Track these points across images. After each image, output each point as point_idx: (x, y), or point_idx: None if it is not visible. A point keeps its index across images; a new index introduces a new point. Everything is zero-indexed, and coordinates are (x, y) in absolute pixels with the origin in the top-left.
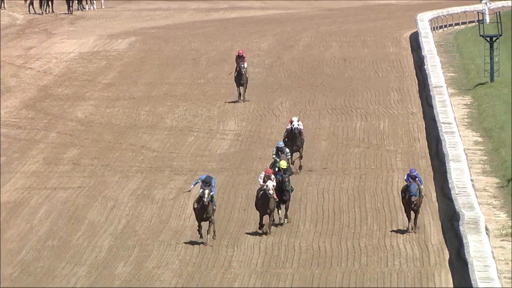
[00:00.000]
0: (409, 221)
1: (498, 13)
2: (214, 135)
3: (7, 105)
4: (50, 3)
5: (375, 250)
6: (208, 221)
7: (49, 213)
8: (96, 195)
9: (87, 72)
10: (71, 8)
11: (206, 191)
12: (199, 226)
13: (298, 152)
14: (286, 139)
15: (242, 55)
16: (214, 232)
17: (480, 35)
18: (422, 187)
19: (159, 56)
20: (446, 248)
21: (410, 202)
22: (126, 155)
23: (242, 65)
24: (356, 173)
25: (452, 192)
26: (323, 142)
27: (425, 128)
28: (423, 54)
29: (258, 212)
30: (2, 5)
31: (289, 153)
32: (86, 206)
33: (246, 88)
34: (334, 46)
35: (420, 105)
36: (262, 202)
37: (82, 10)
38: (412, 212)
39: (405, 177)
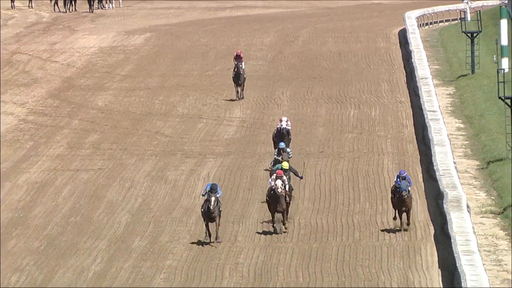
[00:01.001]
0: (401, 219)
1: (478, 12)
2: (221, 122)
3: (35, 95)
4: (73, 2)
5: (367, 226)
6: (214, 223)
7: (72, 192)
8: (115, 176)
9: (106, 65)
10: (92, 7)
11: (213, 198)
12: (207, 227)
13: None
14: (275, 138)
15: (240, 56)
16: (216, 233)
17: (462, 32)
18: (410, 188)
19: (171, 51)
20: (431, 224)
21: (401, 198)
22: (142, 140)
23: (240, 65)
24: (350, 156)
25: (436, 173)
26: (320, 128)
27: (412, 115)
28: (411, 49)
29: (269, 211)
30: (30, 4)
31: (291, 153)
32: (106, 186)
33: (243, 86)
34: (330, 42)
35: (408, 95)
36: (273, 202)
37: (102, 9)
38: (403, 213)
39: (395, 179)
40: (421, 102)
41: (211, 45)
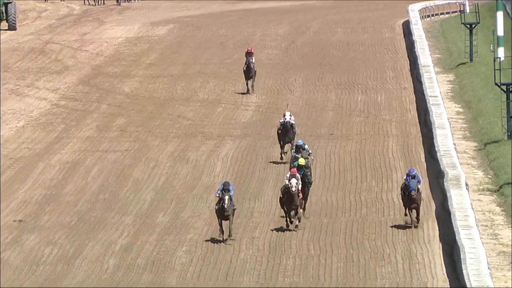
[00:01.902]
0: (411, 216)
1: (476, 4)
2: (238, 106)
3: (66, 81)
4: None
5: (374, 203)
6: (227, 220)
7: (100, 171)
8: (140, 157)
9: (132, 53)
10: (119, 0)
11: (226, 197)
12: (220, 225)
13: (290, 144)
14: (279, 131)
15: (251, 52)
16: (230, 231)
17: (461, 23)
18: (419, 186)
19: (193, 41)
20: (433, 201)
21: (410, 197)
22: (165, 123)
23: (251, 60)
24: (357, 138)
25: (437, 154)
26: (330, 112)
27: (415, 100)
28: (414, 39)
29: (283, 209)
30: None
31: (310, 151)
32: (132, 165)
33: (254, 80)
34: (339, 32)
35: (411, 81)
36: (287, 200)
37: (128, 2)
38: (413, 210)
39: (404, 177)
40: (424, 88)
41: (229, 36)
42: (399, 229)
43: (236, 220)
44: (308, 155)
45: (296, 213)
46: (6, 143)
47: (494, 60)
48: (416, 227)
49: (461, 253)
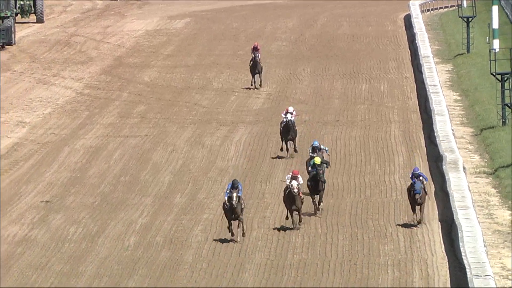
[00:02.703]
0: (415, 215)
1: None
2: (251, 95)
3: (90, 71)
4: None
5: (377, 185)
6: (237, 220)
7: (122, 155)
8: (159, 142)
9: (151, 45)
10: None
11: (234, 194)
12: (229, 224)
13: (291, 141)
14: (282, 129)
15: (257, 47)
16: (243, 230)
17: (459, 16)
18: (426, 183)
19: (207, 33)
20: (432, 183)
21: (415, 199)
22: (182, 110)
23: (257, 55)
24: (361, 124)
25: (437, 139)
26: (336, 100)
27: (416, 89)
28: (415, 31)
29: (286, 207)
30: None
31: (327, 148)
32: (151, 150)
33: (261, 75)
34: (345, 25)
35: (412, 71)
36: (288, 200)
37: None
38: (417, 207)
39: (410, 176)
40: (424, 77)
41: (242, 29)
42: (401, 210)
43: (248, 201)
44: (325, 152)
45: (299, 218)
46: (34, 129)
47: (490, 51)
48: (419, 222)
49: (459, 231)
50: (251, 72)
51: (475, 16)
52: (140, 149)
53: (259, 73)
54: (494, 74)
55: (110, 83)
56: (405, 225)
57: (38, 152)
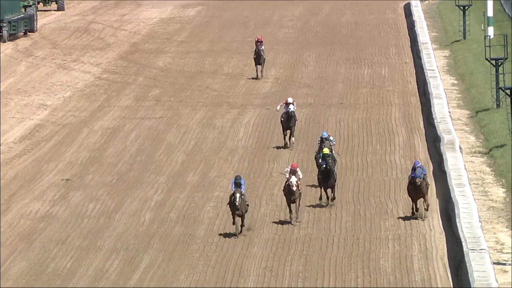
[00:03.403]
0: (416, 206)
1: None
2: (259, 79)
3: (108, 57)
4: None
5: (378, 164)
6: (238, 216)
7: (138, 136)
8: (173, 123)
9: (166, 32)
10: None
11: (238, 194)
12: (234, 219)
13: (289, 130)
14: (282, 119)
15: (261, 40)
16: (241, 227)
17: (456, 5)
18: (425, 175)
19: (219, 21)
20: (431, 162)
21: (416, 185)
22: (195, 94)
23: (261, 48)
24: (364, 107)
25: (435, 121)
26: (339, 84)
27: (415, 73)
28: (414, 19)
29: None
30: None
31: (334, 141)
32: (165, 131)
33: (263, 66)
34: (348, 13)
35: (411, 57)
36: (287, 194)
37: None
38: (420, 199)
39: (410, 171)
40: (422, 62)
41: (251, 17)
42: (401, 187)
43: (257, 180)
44: (331, 145)
45: (297, 213)
46: (55, 111)
47: (485, 38)
48: (422, 215)
49: (456, 208)
50: (255, 63)
51: (471, 5)
52: (155, 130)
53: (262, 64)
54: (489, 59)
55: (126, 68)
56: (405, 202)
57: (58, 133)
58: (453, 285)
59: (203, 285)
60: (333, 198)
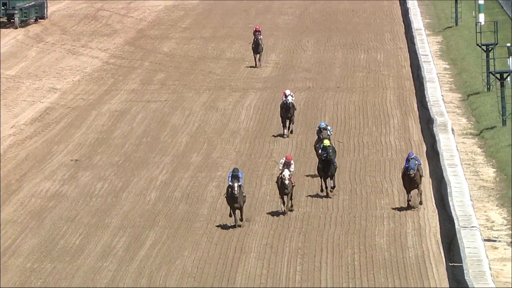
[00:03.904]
0: (409, 195)
1: None
2: (257, 67)
3: (115, 43)
4: None
5: (374, 145)
6: (237, 209)
7: (144, 118)
8: (177, 106)
9: (170, 19)
10: None
11: (236, 185)
12: (232, 211)
13: (288, 120)
14: (282, 110)
15: (259, 30)
16: (241, 216)
17: None
18: (420, 166)
19: (221, 8)
20: (424, 143)
21: (409, 177)
22: (198, 78)
23: (259, 37)
24: (360, 90)
25: (428, 103)
26: (337, 68)
27: (409, 58)
28: (408, 6)
29: (279, 194)
30: None
31: (332, 130)
32: (170, 114)
33: (261, 55)
34: (345, 1)
35: (406, 42)
36: (280, 187)
37: None
38: (413, 189)
39: (405, 163)
40: (416, 48)
41: (252, 4)
42: (396, 167)
43: (258, 160)
44: (329, 135)
45: (291, 203)
46: (64, 95)
47: (476, 24)
48: (415, 206)
49: (448, 187)
50: (253, 52)
51: None
52: (160, 112)
53: (260, 53)
54: (480, 45)
55: (133, 53)
56: (400, 181)
57: (68, 116)
58: (445, 260)
59: (206, 260)
60: (333, 187)
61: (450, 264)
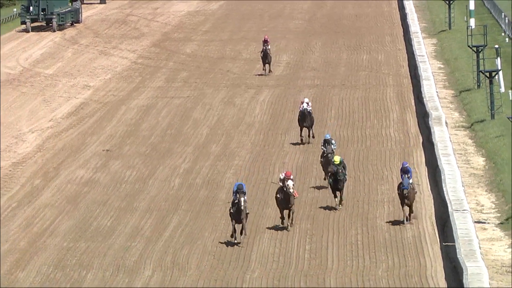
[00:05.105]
0: (404, 213)
1: None
2: (273, 64)
3: (142, 44)
4: None
5: (375, 136)
6: (240, 224)
7: (168, 113)
8: (198, 102)
9: (192, 23)
10: None
11: (242, 199)
12: (234, 228)
13: (307, 128)
14: (299, 117)
15: (267, 40)
16: (244, 230)
17: None
18: (411, 181)
19: (238, 14)
20: (420, 135)
21: (403, 195)
22: (217, 76)
23: (267, 47)
24: (363, 87)
25: (424, 99)
26: (342, 67)
27: (407, 59)
28: (406, 12)
29: (279, 208)
30: None
31: (335, 144)
32: (192, 108)
33: (270, 64)
34: (349, 7)
35: (404, 44)
36: (283, 200)
37: None
38: (406, 206)
39: (400, 172)
40: (413, 49)
41: (265, 10)
42: (395, 157)
43: (271, 150)
44: (333, 149)
45: (290, 215)
46: (97, 91)
47: (467, 28)
48: (409, 219)
49: (442, 174)
50: (262, 61)
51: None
52: (183, 107)
53: (269, 62)
54: (471, 46)
55: (158, 54)
56: (399, 169)
57: (100, 110)
58: (439, 240)
59: (224, 240)
60: (341, 200)
61: (444, 243)
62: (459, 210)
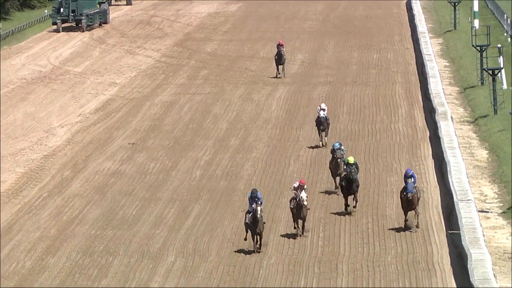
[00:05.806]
0: (406, 220)
1: None
2: (288, 61)
3: (166, 44)
4: None
5: (385, 130)
6: (257, 235)
7: (190, 108)
8: (218, 98)
9: (212, 24)
10: None
11: (259, 208)
12: (252, 237)
13: (324, 132)
14: (317, 122)
15: (281, 44)
16: (260, 245)
17: (448, 1)
18: (416, 185)
19: (255, 15)
20: (427, 129)
21: (408, 199)
22: (236, 74)
23: (282, 50)
24: (373, 84)
25: (431, 95)
26: (354, 66)
27: (415, 57)
28: (414, 13)
29: (293, 217)
30: None
31: (345, 150)
32: (212, 104)
33: (284, 66)
34: (361, 8)
35: (412, 44)
36: (296, 211)
37: None
38: (411, 211)
39: (403, 178)
40: (421, 48)
41: (282, 11)
42: (403, 149)
43: (286, 143)
44: (342, 154)
45: (304, 226)
46: (123, 88)
47: (471, 29)
48: (416, 227)
49: (448, 166)
50: (276, 64)
51: (460, 1)
52: (204, 103)
53: (283, 64)
54: (475, 46)
55: (181, 53)
56: (407, 162)
57: (126, 106)
58: (445, 228)
59: (242, 228)
60: (354, 206)
61: (449, 231)
62: (464, 200)
